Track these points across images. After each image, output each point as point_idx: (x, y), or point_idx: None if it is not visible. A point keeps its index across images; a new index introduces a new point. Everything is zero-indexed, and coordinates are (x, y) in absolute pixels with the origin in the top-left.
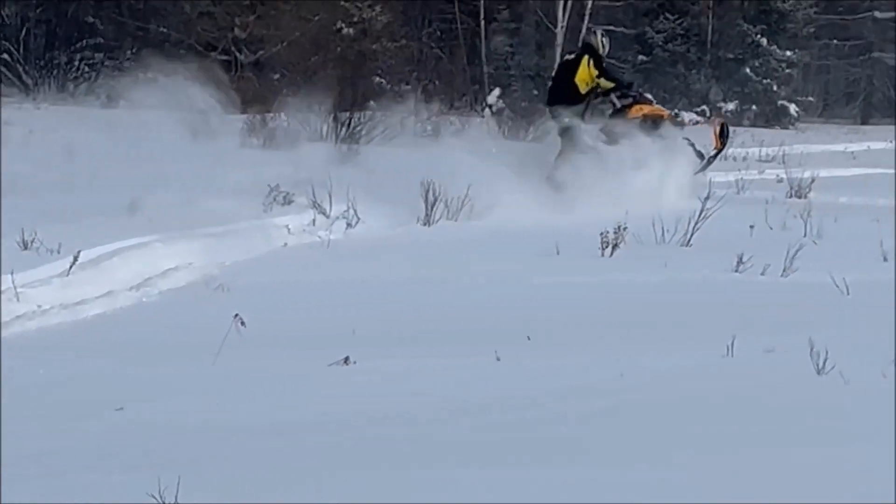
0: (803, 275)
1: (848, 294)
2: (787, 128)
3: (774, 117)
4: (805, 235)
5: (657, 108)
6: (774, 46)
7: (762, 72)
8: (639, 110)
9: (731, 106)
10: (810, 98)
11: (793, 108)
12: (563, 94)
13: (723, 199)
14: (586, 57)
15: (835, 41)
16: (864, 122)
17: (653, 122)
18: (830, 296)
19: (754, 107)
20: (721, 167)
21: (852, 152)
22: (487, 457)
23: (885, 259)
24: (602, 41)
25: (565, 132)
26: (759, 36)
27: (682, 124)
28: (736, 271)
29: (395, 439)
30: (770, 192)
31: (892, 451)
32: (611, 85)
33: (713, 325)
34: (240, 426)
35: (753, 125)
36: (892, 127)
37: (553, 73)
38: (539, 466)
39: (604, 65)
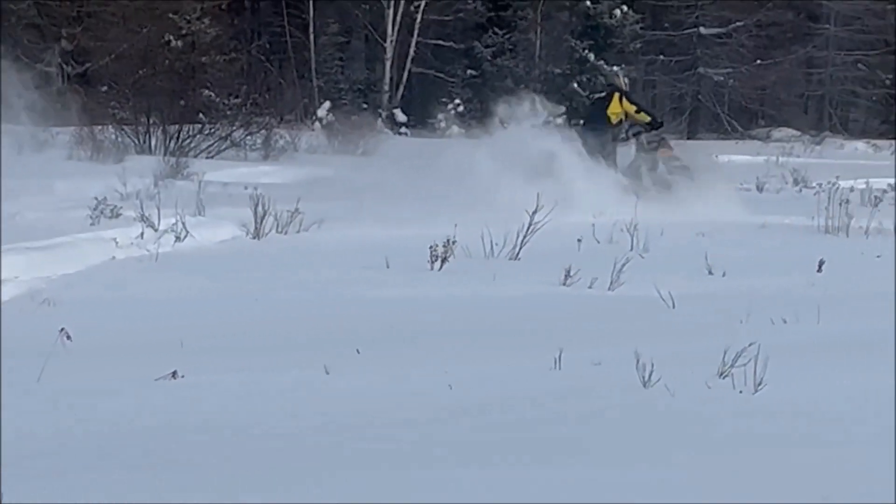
0: (630, 288)
1: (673, 307)
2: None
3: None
4: (631, 249)
5: (672, 152)
6: (601, 62)
7: (590, 87)
8: (664, 153)
9: (559, 121)
10: None
11: None
12: (596, 122)
13: (552, 211)
14: (617, 94)
15: (661, 57)
16: (690, 137)
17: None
18: (656, 309)
19: (582, 122)
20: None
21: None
22: (314, 467)
23: (710, 272)
24: (624, 80)
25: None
26: (586, 51)
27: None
28: (564, 284)
29: (223, 451)
30: None
31: (717, 459)
32: (647, 119)
33: (541, 337)
34: (60, 440)
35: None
36: (718, 141)
37: (589, 107)
38: (376, 474)
39: (633, 99)
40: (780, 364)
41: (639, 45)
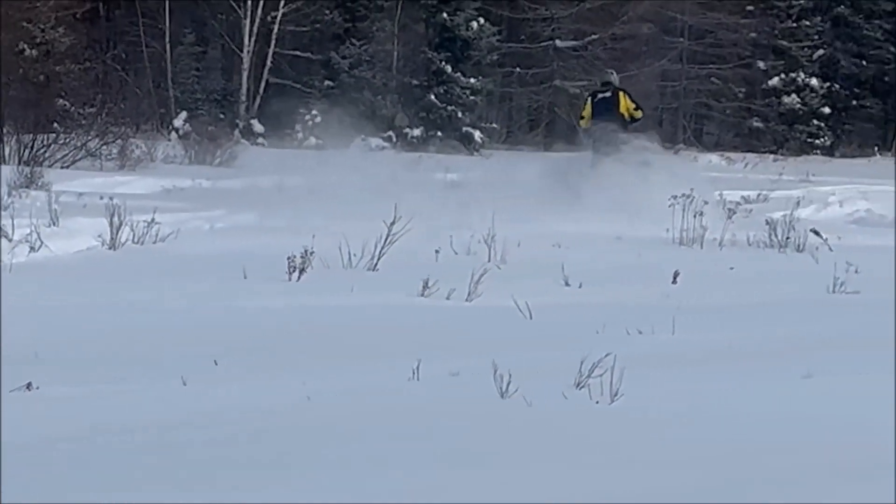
0: (487, 299)
1: (531, 318)
2: (472, 154)
3: (459, 143)
4: (489, 260)
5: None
6: (459, 74)
7: (447, 98)
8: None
9: (416, 132)
10: (494, 125)
11: (477, 134)
12: (609, 120)
13: (410, 221)
14: (622, 93)
15: (518, 69)
16: (547, 149)
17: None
18: (514, 319)
19: (440, 133)
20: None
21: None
22: (171, 479)
23: (567, 284)
24: (616, 77)
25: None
26: (443, 63)
27: None
28: (422, 295)
29: (76, 462)
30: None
31: (574, 470)
32: (640, 115)
33: (399, 348)
34: None
35: (439, 151)
36: (574, 153)
37: (591, 105)
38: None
39: (632, 97)
40: (636, 374)
41: (496, 58)
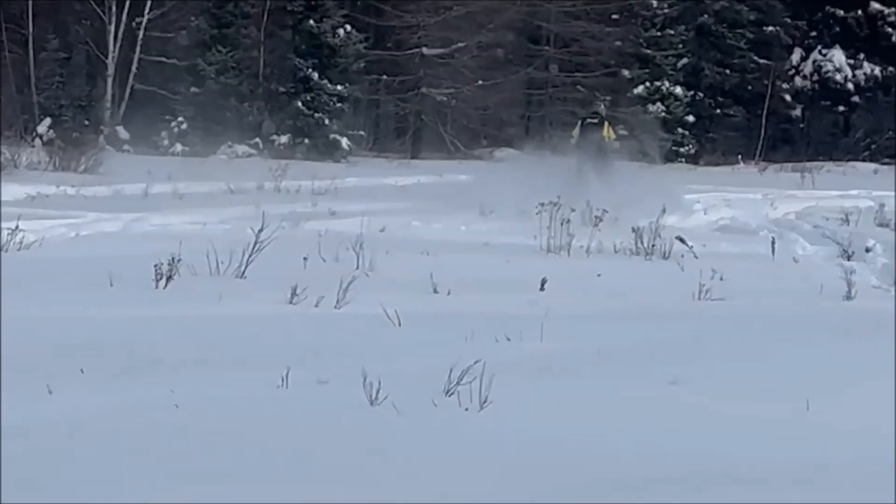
0: (356, 306)
1: (399, 325)
2: (339, 161)
3: (326, 151)
4: (357, 267)
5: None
6: (325, 81)
7: (314, 105)
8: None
9: (283, 139)
10: (361, 132)
11: (345, 141)
12: (594, 143)
13: (278, 229)
14: (607, 122)
15: (385, 76)
16: (414, 156)
17: None
18: (383, 327)
19: (307, 140)
20: (275, 199)
21: (403, 185)
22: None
23: (436, 291)
24: (604, 108)
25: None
26: (310, 70)
27: None
28: (290, 303)
29: None
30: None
31: (443, 476)
32: (617, 144)
33: (267, 356)
34: None
35: (306, 158)
36: (441, 161)
37: (579, 127)
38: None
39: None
40: (505, 381)
41: (363, 65)
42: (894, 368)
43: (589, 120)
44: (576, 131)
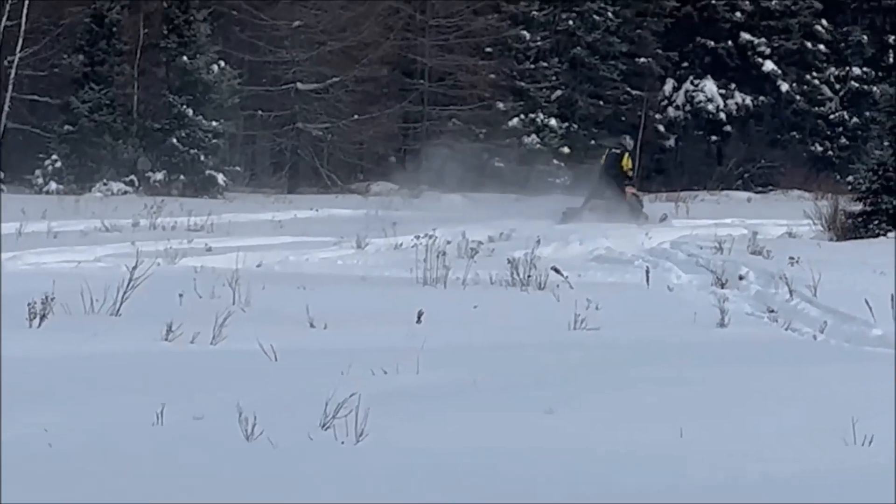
0: (232, 342)
1: (276, 360)
2: (215, 197)
3: (203, 187)
4: (234, 303)
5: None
6: (200, 117)
7: (189, 142)
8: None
9: (159, 176)
10: (237, 168)
11: (220, 177)
12: (614, 173)
13: (153, 266)
14: (626, 154)
15: (260, 112)
16: (291, 192)
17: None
18: (259, 362)
19: (182, 176)
20: (150, 237)
21: (279, 221)
22: None
23: (312, 325)
24: (630, 143)
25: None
26: (184, 106)
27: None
28: (166, 339)
29: None
30: (201, 261)
31: None
32: (631, 173)
33: (142, 393)
34: None
35: (182, 195)
36: (318, 196)
37: (605, 157)
38: None
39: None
40: (382, 414)
41: (237, 101)
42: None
43: (614, 150)
44: (602, 161)
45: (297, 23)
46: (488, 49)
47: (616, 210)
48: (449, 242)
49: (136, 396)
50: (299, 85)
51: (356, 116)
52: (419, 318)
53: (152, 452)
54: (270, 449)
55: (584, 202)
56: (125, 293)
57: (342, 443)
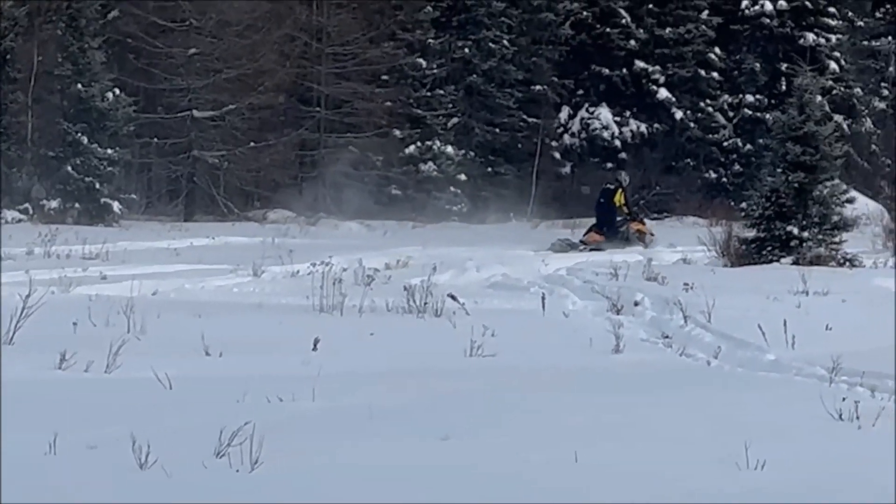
0: (127, 370)
1: (171, 388)
2: (111, 225)
3: (98, 215)
4: (129, 331)
5: (640, 225)
6: (95, 145)
7: (84, 170)
8: (634, 225)
9: (54, 204)
10: (133, 196)
11: (116, 205)
12: (607, 209)
13: (47, 294)
14: (620, 189)
15: (156, 139)
16: (187, 219)
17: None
18: (154, 390)
19: (77, 204)
20: (44, 265)
21: (175, 249)
22: None
23: (208, 353)
24: (625, 178)
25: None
26: (79, 134)
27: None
28: (59, 368)
29: None
30: (96, 289)
31: None
32: (625, 209)
33: (35, 422)
34: None
35: (77, 223)
36: (214, 223)
37: (600, 192)
38: None
39: (626, 196)
40: (277, 441)
41: (133, 128)
42: (661, 418)
43: (608, 185)
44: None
45: (192, 50)
46: (385, 77)
47: (610, 244)
48: (345, 270)
49: (28, 425)
50: (195, 112)
51: (252, 144)
52: (315, 345)
53: (45, 482)
54: (165, 478)
55: (584, 234)
56: (18, 322)
57: (237, 471)
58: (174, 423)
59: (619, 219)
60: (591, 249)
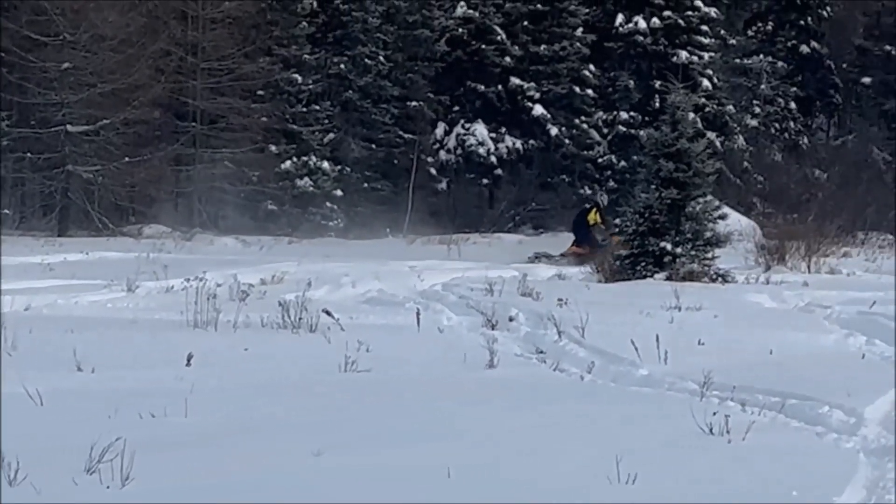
0: None
1: (42, 404)
2: None
3: None
4: (0, 347)
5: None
6: None
7: None
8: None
9: None
10: (6, 211)
11: None
12: (581, 226)
13: None
14: (595, 209)
15: (29, 154)
16: (61, 234)
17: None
18: (24, 406)
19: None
20: None
21: (49, 264)
22: None
23: (80, 369)
24: (603, 200)
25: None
26: None
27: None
28: None
29: None
30: None
31: None
32: (603, 225)
33: None
34: None
35: None
36: (89, 238)
37: (578, 213)
38: None
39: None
40: (149, 457)
41: (6, 143)
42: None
43: (585, 205)
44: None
45: (66, 65)
46: (260, 92)
47: (594, 258)
48: (220, 285)
49: None
50: (69, 127)
51: (127, 159)
52: (189, 360)
53: None
54: (34, 494)
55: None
56: None
57: (107, 487)
58: (45, 439)
59: (601, 238)
60: (574, 262)
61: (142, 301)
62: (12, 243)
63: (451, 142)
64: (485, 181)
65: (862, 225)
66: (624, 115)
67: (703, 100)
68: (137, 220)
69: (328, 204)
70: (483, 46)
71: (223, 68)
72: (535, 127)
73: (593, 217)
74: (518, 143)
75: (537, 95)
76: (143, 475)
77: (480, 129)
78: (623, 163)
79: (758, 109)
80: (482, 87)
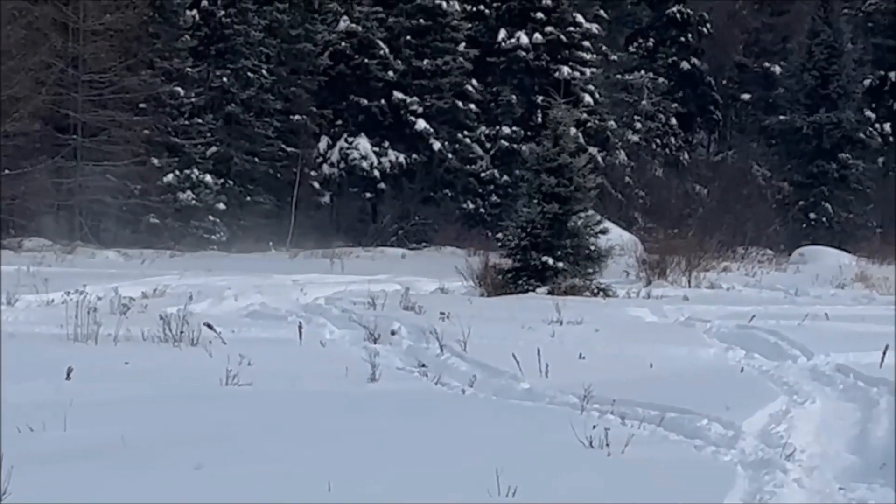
0: None
1: None
2: None
3: None
4: None
5: None
6: None
7: None
8: None
9: None
10: None
11: None
12: None
13: None
14: None
15: None
16: None
17: None
18: None
19: None
20: None
21: None
22: None
23: None
24: None
25: None
26: None
27: None
28: None
29: None
30: None
31: None
32: None
33: None
34: None
35: None
36: None
37: None
38: None
39: None
40: (26, 472)
41: None
42: (414, 445)
43: None
44: None
45: None
46: (142, 105)
47: None
48: (101, 298)
49: None
50: None
51: (7, 171)
52: (69, 374)
53: None
54: None
55: None
56: None
57: None
58: None
59: None
60: None
61: (21, 314)
62: None
63: (335, 156)
64: (368, 195)
65: (742, 240)
66: (506, 129)
67: (584, 115)
68: (18, 233)
69: (211, 217)
70: (366, 60)
71: (105, 81)
72: (419, 141)
73: None
74: (401, 158)
75: (420, 110)
76: (19, 491)
77: (363, 143)
78: (505, 177)
79: (639, 125)
80: (365, 101)
